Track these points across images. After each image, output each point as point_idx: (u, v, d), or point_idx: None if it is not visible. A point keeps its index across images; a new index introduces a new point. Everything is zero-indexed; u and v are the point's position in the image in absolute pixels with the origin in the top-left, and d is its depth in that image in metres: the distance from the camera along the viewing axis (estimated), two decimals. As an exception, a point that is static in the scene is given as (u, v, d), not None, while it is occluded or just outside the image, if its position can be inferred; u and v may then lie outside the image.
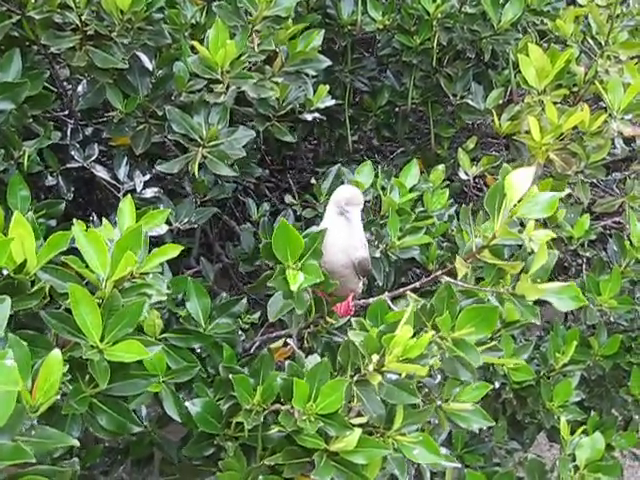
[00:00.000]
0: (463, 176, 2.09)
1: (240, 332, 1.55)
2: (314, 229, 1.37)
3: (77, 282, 1.11)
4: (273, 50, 1.60)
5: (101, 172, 1.69)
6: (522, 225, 1.26)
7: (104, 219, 1.30)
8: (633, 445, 1.97)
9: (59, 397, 0.99)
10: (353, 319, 1.30)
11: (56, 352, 0.99)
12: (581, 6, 2.00)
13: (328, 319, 1.48)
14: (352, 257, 1.42)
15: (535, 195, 1.16)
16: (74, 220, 1.16)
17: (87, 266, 1.12)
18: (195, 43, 1.47)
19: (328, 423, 1.20)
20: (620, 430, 2.01)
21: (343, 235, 1.42)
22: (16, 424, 0.92)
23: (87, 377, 1.12)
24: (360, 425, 1.21)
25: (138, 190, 1.69)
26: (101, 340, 1.08)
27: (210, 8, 1.68)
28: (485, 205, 1.23)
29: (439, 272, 1.38)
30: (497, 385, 1.75)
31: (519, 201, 1.18)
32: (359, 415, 1.24)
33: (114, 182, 1.69)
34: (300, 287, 1.27)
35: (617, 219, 2.47)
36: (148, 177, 1.71)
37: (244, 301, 1.52)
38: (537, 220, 1.92)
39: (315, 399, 1.21)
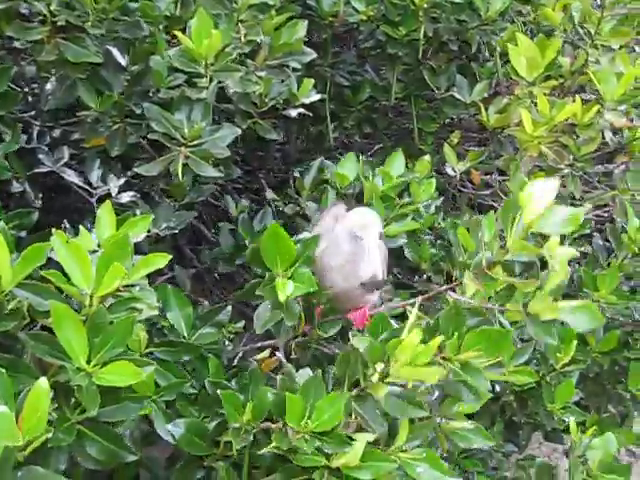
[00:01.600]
0: (450, 172, 2.02)
1: (226, 342, 1.46)
2: (305, 235, 1.28)
3: (59, 299, 1.01)
4: (256, 41, 1.50)
5: (72, 176, 1.59)
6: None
7: (81, 227, 1.19)
8: (632, 443, 1.93)
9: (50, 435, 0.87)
10: (351, 332, 1.21)
11: (42, 381, 0.88)
12: (569, -6, 1.94)
13: (318, 330, 1.39)
14: (360, 279, 1.31)
15: (554, 209, 1.06)
16: (53, 230, 1.05)
17: (69, 280, 1.02)
18: (178, 33, 1.37)
19: (325, 440, 1.11)
20: (616, 427, 1.96)
21: (347, 256, 1.30)
22: (5, 474, 0.81)
23: (72, 402, 1.03)
24: (368, 443, 1.13)
25: (113, 195, 1.58)
26: (88, 362, 0.99)
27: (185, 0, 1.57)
28: (499, 217, 1.13)
29: (444, 287, 1.29)
30: (498, 388, 1.68)
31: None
32: (359, 431, 1.15)
33: (86, 187, 1.58)
34: (289, 297, 1.19)
35: (598, 212, 2.44)
36: (123, 181, 1.60)
37: (229, 309, 1.44)
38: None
39: (310, 416, 1.12)
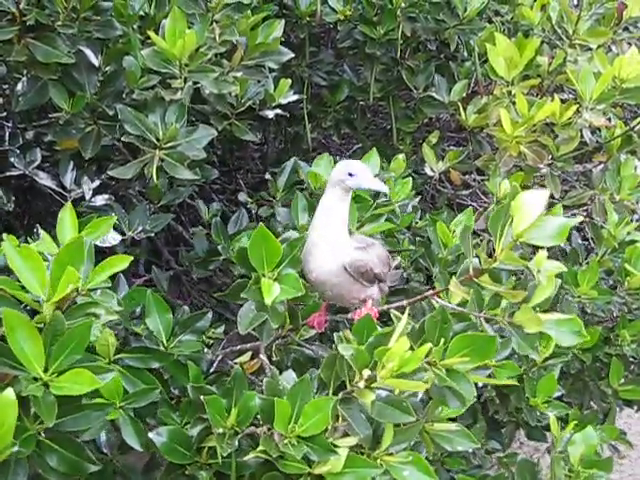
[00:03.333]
0: (429, 172, 2.01)
1: (206, 349, 1.44)
2: (292, 234, 1.25)
3: (12, 306, 0.98)
4: (231, 42, 1.47)
5: (45, 179, 1.55)
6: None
7: (43, 232, 1.16)
8: (614, 438, 1.92)
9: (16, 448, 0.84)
10: (335, 334, 1.19)
11: (9, 392, 0.84)
12: (547, -6, 1.94)
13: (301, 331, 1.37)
14: (341, 261, 1.26)
15: (544, 220, 1.05)
16: (4, 235, 1.03)
17: (23, 287, 0.99)
18: (151, 34, 1.34)
19: (311, 447, 1.09)
20: (599, 424, 1.96)
21: (328, 233, 1.26)
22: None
23: (32, 412, 0.99)
24: (350, 447, 1.11)
25: (87, 198, 1.55)
26: (45, 371, 0.95)
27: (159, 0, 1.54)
28: (488, 226, 1.11)
29: (430, 292, 1.26)
30: (479, 384, 1.66)
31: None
32: (345, 436, 1.13)
33: (60, 190, 1.55)
34: (275, 300, 1.16)
35: (576, 211, 2.44)
36: (97, 183, 1.57)
37: (209, 315, 1.41)
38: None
39: (297, 420, 1.10)
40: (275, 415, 1.10)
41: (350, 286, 1.29)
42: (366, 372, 1.08)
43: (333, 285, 1.27)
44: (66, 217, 1.13)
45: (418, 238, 1.80)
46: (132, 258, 1.09)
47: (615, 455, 2.05)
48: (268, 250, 1.16)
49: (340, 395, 1.14)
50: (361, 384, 1.09)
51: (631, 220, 2.32)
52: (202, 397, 1.15)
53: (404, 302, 1.30)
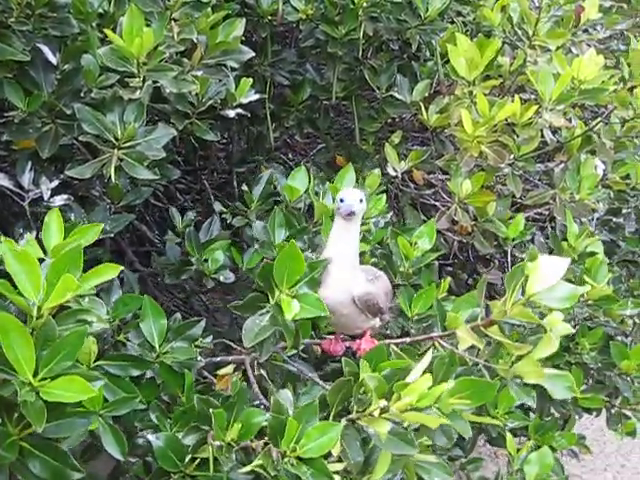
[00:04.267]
0: (391, 172, 2.01)
1: (199, 357, 1.41)
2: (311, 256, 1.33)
3: (5, 310, 0.98)
4: (192, 40, 1.46)
5: (2, 179, 1.52)
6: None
7: (29, 234, 1.16)
8: (573, 444, 1.94)
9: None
10: (344, 359, 1.20)
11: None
12: (507, -5, 1.96)
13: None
14: (351, 294, 1.31)
15: (558, 285, 1.11)
16: (2, 238, 1.02)
17: (17, 291, 0.98)
18: (108, 31, 1.32)
19: (309, 469, 1.10)
20: (559, 430, 1.98)
21: (339, 265, 1.30)
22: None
23: (15, 417, 0.98)
24: (337, 472, 1.12)
25: (45, 198, 1.52)
26: (34, 376, 0.94)
27: (119, -4, 1.53)
28: (504, 281, 1.18)
29: (436, 334, 1.33)
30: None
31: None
32: (338, 461, 1.14)
33: (17, 190, 1.52)
34: (294, 317, 1.19)
35: (539, 210, 2.46)
36: (56, 183, 1.54)
37: (202, 323, 1.41)
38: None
39: (298, 441, 1.12)
40: (284, 434, 1.11)
41: (356, 317, 1.34)
42: (382, 402, 1.10)
43: (341, 315, 1.32)
44: (53, 222, 1.13)
45: (380, 251, 1.80)
46: (122, 267, 1.09)
47: (574, 458, 2.08)
48: (292, 268, 1.19)
49: (343, 421, 1.15)
50: (376, 413, 1.11)
51: (592, 219, 2.37)
52: (210, 410, 1.15)
53: (407, 340, 1.38)
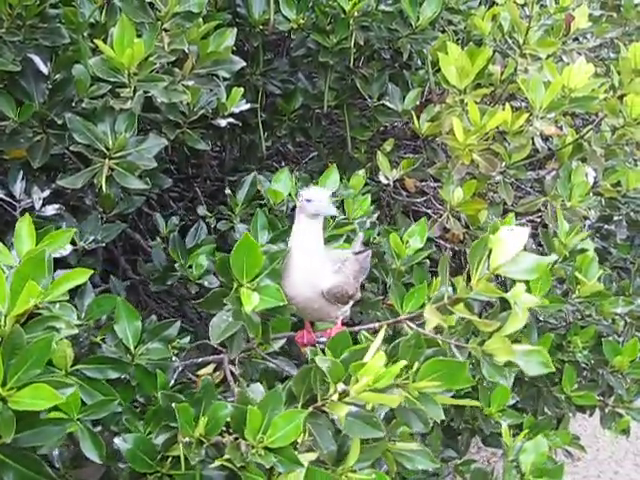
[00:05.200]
0: (383, 180, 2.02)
1: (174, 358, 1.42)
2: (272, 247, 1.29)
3: None
4: (183, 50, 1.47)
5: (-7, 189, 1.52)
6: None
7: (0, 243, 1.15)
8: (567, 443, 1.95)
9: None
10: (308, 349, 1.21)
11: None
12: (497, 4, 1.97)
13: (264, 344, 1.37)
14: (319, 289, 1.31)
15: (522, 256, 1.09)
16: None
17: None
18: (98, 42, 1.32)
19: (278, 458, 1.09)
20: (553, 429, 1.99)
21: (304, 259, 1.30)
22: None
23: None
24: (309, 462, 1.11)
25: (37, 207, 1.53)
26: (3, 385, 0.94)
27: (111, 7, 1.53)
28: (468, 256, 1.15)
29: (404, 316, 1.30)
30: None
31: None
32: (309, 450, 1.13)
33: (9, 199, 1.53)
34: (254, 309, 1.17)
35: (531, 218, 2.47)
36: (47, 193, 1.55)
37: (177, 324, 1.41)
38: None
39: (265, 431, 1.10)
40: (246, 424, 1.09)
41: (327, 308, 1.34)
42: (340, 386, 1.10)
43: (312, 309, 1.33)
44: (24, 228, 1.12)
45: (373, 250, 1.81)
46: (92, 272, 1.09)
47: (569, 459, 2.08)
48: (249, 260, 1.18)
49: (310, 408, 1.14)
50: (335, 397, 1.10)
51: (583, 226, 2.38)
52: (173, 404, 1.14)
53: (376, 325, 1.35)
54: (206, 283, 1.71)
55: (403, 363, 1.09)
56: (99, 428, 1.21)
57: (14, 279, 0.98)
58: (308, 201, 1.30)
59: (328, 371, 1.10)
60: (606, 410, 2.03)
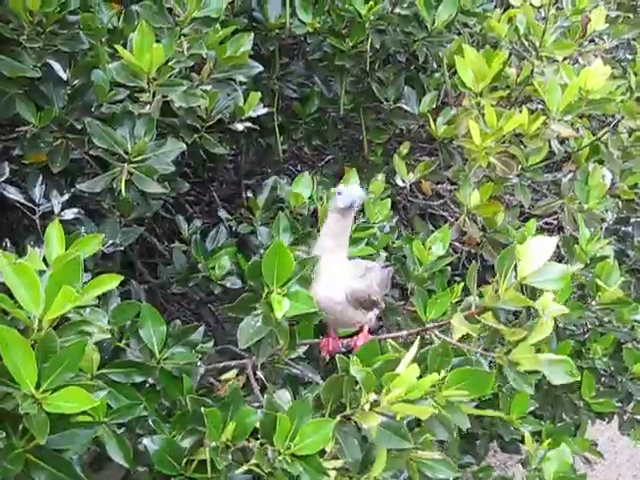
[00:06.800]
0: (400, 183, 2.02)
1: (199, 363, 1.42)
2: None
3: (5, 323, 0.97)
4: (201, 55, 1.47)
5: (13, 193, 1.53)
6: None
7: (29, 247, 1.15)
8: (585, 450, 1.94)
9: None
10: (337, 356, 1.20)
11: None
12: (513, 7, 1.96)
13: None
14: (343, 292, 1.32)
15: (549, 266, 1.11)
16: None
17: (17, 304, 0.98)
18: (118, 47, 1.33)
19: (304, 466, 1.10)
20: (572, 436, 1.98)
21: (330, 263, 1.30)
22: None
23: (20, 429, 0.99)
24: (335, 469, 1.12)
25: (56, 212, 1.53)
26: (37, 388, 0.95)
27: (128, 13, 1.54)
28: (495, 266, 1.17)
29: (432, 324, 1.31)
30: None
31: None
32: (334, 458, 1.14)
33: (29, 204, 1.53)
34: (285, 315, 1.17)
35: (548, 220, 2.46)
36: (66, 197, 1.56)
37: (201, 329, 1.41)
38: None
39: (293, 438, 1.11)
40: (276, 431, 1.10)
41: (351, 313, 1.35)
42: (372, 396, 1.10)
43: (336, 312, 1.33)
44: (53, 234, 1.14)
45: (393, 255, 1.81)
46: (121, 277, 1.09)
47: (587, 464, 2.07)
48: (280, 266, 1.18)
49: (338, 417, 1.14)
50: (366, 407, 1.11)
51: (601, 228, 2.37)
52: (202, 409, 1.15)
53: (403, 333, 1.38)
54: (228, 284, 1.72)
55: (435, 376, 1.09)
56: (122, 430, 1.21)
57: (49, 284, 0.99)
58: (339, 194, 1.31)
59: (362, 381, 1.10)
60: (625, 417, 2.02)
